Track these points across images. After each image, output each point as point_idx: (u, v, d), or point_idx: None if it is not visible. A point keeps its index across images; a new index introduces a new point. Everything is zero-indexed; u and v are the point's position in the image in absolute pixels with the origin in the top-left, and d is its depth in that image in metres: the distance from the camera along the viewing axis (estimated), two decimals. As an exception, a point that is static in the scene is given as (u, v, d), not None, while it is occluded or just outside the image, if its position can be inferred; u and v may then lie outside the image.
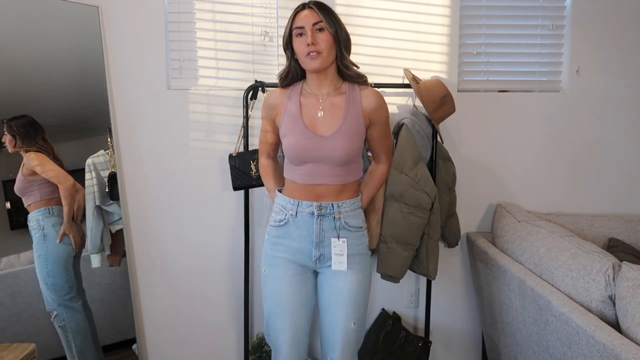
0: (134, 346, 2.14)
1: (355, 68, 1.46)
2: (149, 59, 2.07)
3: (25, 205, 1.91)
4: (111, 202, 2.05)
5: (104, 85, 2.04)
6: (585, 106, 2.21)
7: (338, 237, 1.47)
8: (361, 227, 1.53)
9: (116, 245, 2.09)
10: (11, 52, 1.88)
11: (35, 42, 1.92)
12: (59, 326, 1.94)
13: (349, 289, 1.47)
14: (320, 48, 1.35)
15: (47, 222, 1.92)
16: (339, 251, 1.46)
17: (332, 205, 1.46)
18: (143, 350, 2.19)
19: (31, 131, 1.89)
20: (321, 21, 1.36)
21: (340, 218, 1.47)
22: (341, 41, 1.40)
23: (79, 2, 1.98)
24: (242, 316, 2.12)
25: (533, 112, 2.20)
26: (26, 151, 1.89)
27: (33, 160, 1.90)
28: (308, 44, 1.35)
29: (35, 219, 1.91)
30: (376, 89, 1.50)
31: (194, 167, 2.13)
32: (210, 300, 2.20)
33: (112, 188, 2.05)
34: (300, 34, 1.38)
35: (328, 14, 1.38)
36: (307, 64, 1.39)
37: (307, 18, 1.37)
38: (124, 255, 2.10)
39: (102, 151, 2.05)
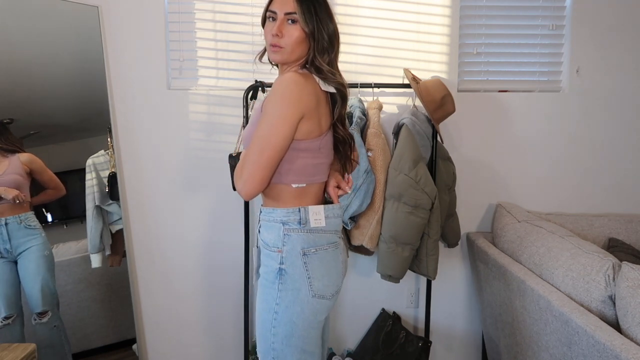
0: (134, 346, 2.14)
1: (332, 75, 1.20)
2: (149, 59, 2.07)
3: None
4: (111, 202, 2.05)
5: (104, 85, 2.04)
6: (585, 106, 2.21)
7: (256, 244, 1.28)
8: (269, 246, 1.21)
9: (116, 245, 2.09)
10: (11, 52, 1.88)
11: (35, 42, 1.92)
12: (55, 326, 1.92)
13: None
14: (283, 43, 1.18)
15: None
16: (253, 260, 1.28)
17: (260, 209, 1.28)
18: (143, 350, 2.19)
19: (5, 132, 1.87)
20: (295, 13, 1.16)
21: (259, 224, 1.27)
22: (317, 41, 1.19)
23: (79, 2, 1.98)
24: (242, 316, 2.12)
25: (533, 112, 2.20)
26: (16, 151, 1.87)
27: (38, 161, 1.90)
28: (273, 35, 1.18)
29: (33, 218, 1.91)
30: (286, 75, 1.18)
31: (193, 167, 2.13)
32: (210, 300, 2.20)
33: (112, 188, 2.05)
34: (272, 18, 1.20)
35: (309, 7, 1.16)
36: (269, 54, 1.25)
37: (282, 5, 1.18)
38: (124, 255, 2.11)
39: (102, 151, 2.05)
